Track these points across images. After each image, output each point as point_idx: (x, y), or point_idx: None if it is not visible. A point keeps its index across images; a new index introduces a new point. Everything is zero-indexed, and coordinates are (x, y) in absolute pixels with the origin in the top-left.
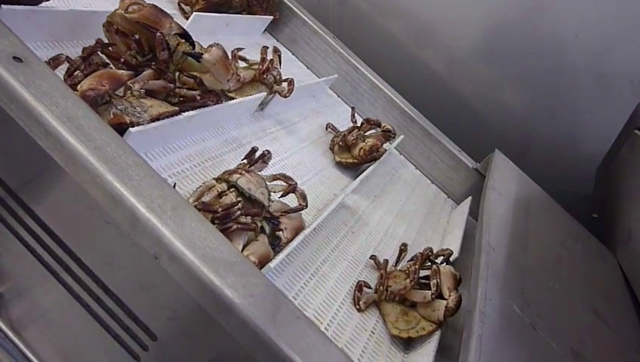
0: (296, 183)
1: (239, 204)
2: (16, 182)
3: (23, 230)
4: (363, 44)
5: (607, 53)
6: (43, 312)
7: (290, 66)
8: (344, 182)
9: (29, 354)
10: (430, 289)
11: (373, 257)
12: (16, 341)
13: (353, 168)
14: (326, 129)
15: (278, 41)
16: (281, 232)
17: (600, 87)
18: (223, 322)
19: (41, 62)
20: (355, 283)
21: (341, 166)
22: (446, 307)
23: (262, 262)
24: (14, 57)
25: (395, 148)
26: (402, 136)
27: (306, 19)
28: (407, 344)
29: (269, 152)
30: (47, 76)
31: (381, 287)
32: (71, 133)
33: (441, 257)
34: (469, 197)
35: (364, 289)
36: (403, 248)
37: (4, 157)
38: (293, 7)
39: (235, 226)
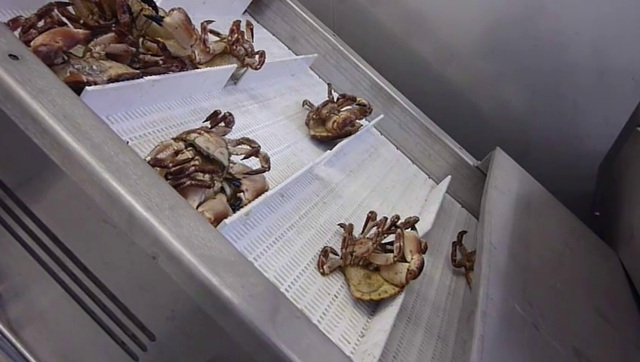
0: (259, 146)
1: (193, 160)
2: (13, 181)
3: (21, 229)
4: (363, 41)
5: (609, 50)
6: (41, 312)
7: (271, 46)
8: (317, 155)
9: (27, 354)
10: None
11: (341, 224)
12: (14, 341)
13: (328, 142)
14: (303, 105)
15: (257, 22)
16: (242, 193)
17: (601, 84)
18: (222, 322)
19: (37, 60)
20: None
21: (316, 140)
22: (408, 270)
23: (218, 220)
24: (10, 55)
25: (391, 142)
26: (382, 115)
27: (306, 16)
28: (373, 309)
29: (230, 115)
30: (43, 74)
31: (344, 250)
32: (67, 132)
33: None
34: (449, 176)
35: (330, 254)
36: (370, 215)
37: (0, 156)
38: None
39: (188, 182)
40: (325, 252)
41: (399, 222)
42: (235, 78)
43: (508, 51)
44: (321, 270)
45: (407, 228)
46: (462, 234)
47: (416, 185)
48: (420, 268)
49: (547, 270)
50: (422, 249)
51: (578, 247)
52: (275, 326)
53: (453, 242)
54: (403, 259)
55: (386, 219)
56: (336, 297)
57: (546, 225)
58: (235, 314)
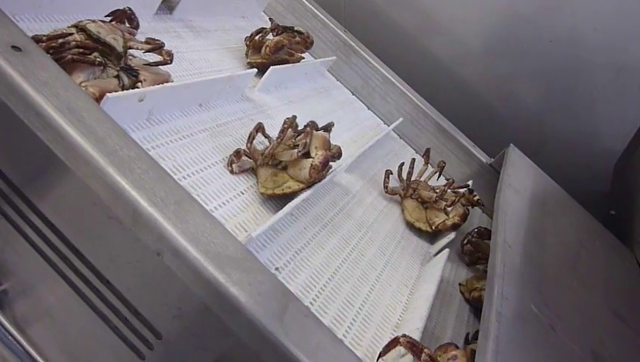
0: (163, 43)
1: (74, 36)
2: (18, 177)
3: (27, 226)
4: (374, 38)
5: (627, 47)
6: (47, 310)
7: None
8: (252, 82)
9: (33, 352)
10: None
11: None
12: (20, 338)
13: (264, 70)
14: (245, 41)
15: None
16: (140, 84)
17: (618, 81)
18: (229, 321)
19: (41, 51)
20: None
21: (251, 67)
22: (312, 165)
23: (102, 96)
24: (13, 47)
25: (403, 140)
26: (334, 57)
27: (317, 12)
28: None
29: (131, 11)
30: (47, 66)
31: (248, 144)
32: (71, 125)
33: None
34: (400, 118)
35: (244, 157)
36: (287, 121)
37: (6, 152)
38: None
39: (69, 56)
40: (238, 153)
41: (314, 126)
42: (170, 8)
43: (523, 48)
44: (230, 168)
45: (320, 130)
46: (401, 165)
47: (367, 127)
48: (324, 163)
49: (563, 270)
50: (331, 150)
51: (594, 247)
52: (283, 325)
53: (386, 170)
54: (309, 156)
55: (295, 116)
56: (243, 194)
57: (562, 224)
58: (243, 313)
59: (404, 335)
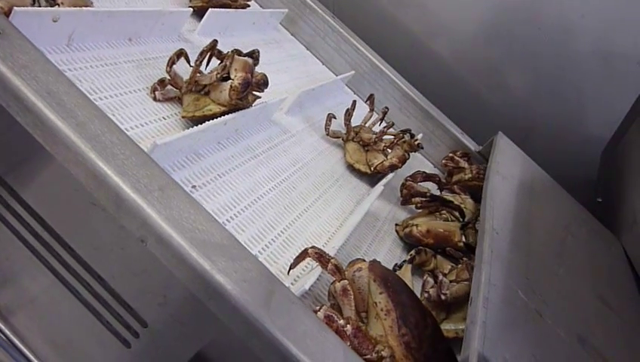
0: None
1: None
2: (1, 165)
3: (9, 214)
4: (362, 23)
5: (614, 34)
6: (31, 299)
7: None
8: (192, 25)
9: (17, 342)
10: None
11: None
12: (3, 328)
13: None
14: None
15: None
16: (57, 6)
17: (606, 68)
18: (215, 309)
19: (20, 34)
20: None
21: (194, 12)
22: (231, 86)
23: (10, 10)
24: None
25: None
26: (286, 10)
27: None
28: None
29: None
30: (26, 49)
31: (168, 68)
32: (51, 109)
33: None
34: (352, 71)
35: (168, 86)
36: (209, 44)
37: None
38: None
39: None
40: (162, 81)
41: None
42: None
43: (511, 35)
44: (153, 95)
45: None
46: (346, 111)
47: (317, 79)
48: (244, 85)
49: (550, 256)
50: (255, 76)
51: (580, 233)
52: (270, 312)
53: (329, 113)
54: (229, 79)
55: (216, 41)
56: (165, 119)
57: (549, 211)
58: (228, 300)
59: (312, 247)
